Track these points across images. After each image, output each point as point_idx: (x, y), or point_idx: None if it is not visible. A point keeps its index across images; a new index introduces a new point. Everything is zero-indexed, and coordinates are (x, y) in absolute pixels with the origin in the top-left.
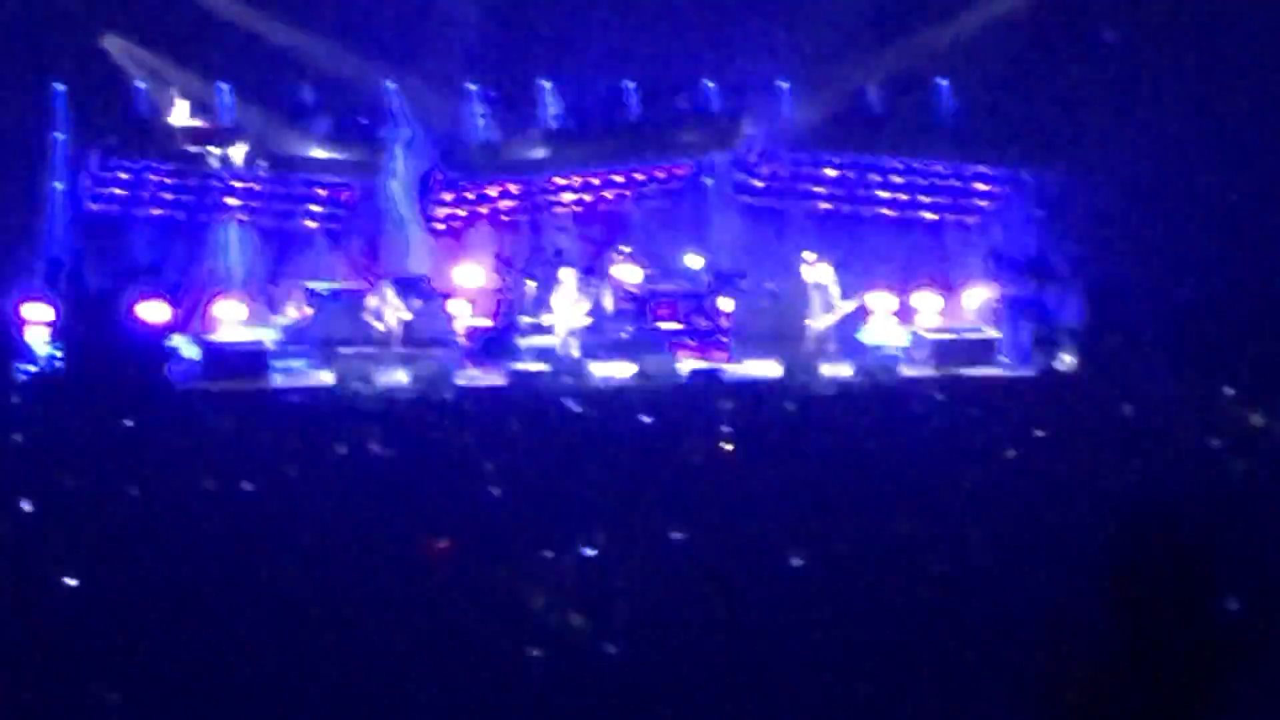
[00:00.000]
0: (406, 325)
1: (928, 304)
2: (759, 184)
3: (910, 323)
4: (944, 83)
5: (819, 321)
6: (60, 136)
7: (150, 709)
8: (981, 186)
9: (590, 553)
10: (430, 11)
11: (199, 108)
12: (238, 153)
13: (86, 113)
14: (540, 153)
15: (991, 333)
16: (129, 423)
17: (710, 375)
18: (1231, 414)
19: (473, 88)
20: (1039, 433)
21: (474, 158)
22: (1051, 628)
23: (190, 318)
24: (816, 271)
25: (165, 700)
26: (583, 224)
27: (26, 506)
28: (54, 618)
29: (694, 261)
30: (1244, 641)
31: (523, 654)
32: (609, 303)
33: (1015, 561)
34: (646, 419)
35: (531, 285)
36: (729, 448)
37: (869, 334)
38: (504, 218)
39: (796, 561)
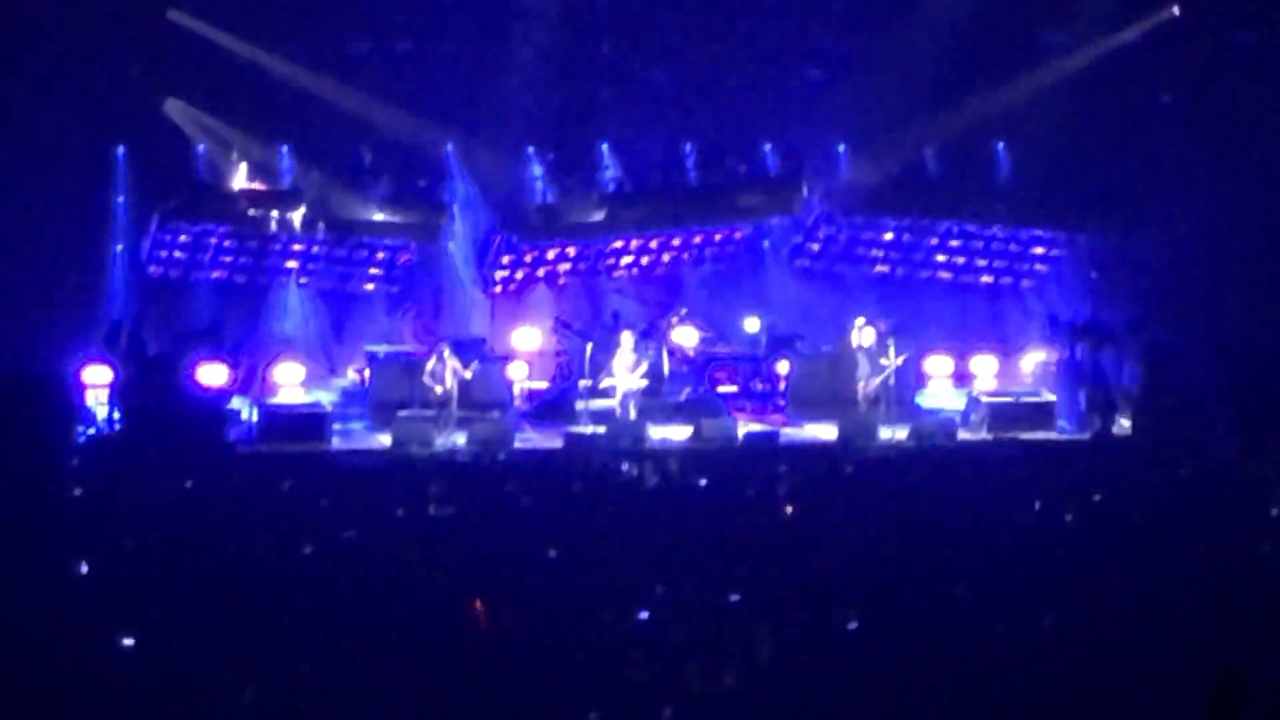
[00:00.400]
0: (464, 387)
1: (985, 367)
2: (815, 247)
3: (967, 386)
4: (1001, 146)
5: (869, 384)
6: (121, 199)
7: None
8: (1038, 250)
9: (645, 615)
10: (490, 75)
11: (259, 170)
12: (297, 215)
13: (148, 175)
14: (598, 216)
15: (1048, 396)
16: (187, 485)
17: (766, 438)
18: None
19: (531, 150)
20: (1095, 497)
21: (532, 220)
22: (1109, 690)
23: (249, 380)
24: (865, 335)
25: None
26: (640, 287)
27: (85, 567)
28: (112, 677)
29: (751, 325)
30: None
31: (579, 717)
32: (666, 365)
33: (1071, 626)
34: (703, 481)
35: (589, 348)
36: (788, 509)
37: (926, 397)
38: (561, 280)
39: (852, 625)
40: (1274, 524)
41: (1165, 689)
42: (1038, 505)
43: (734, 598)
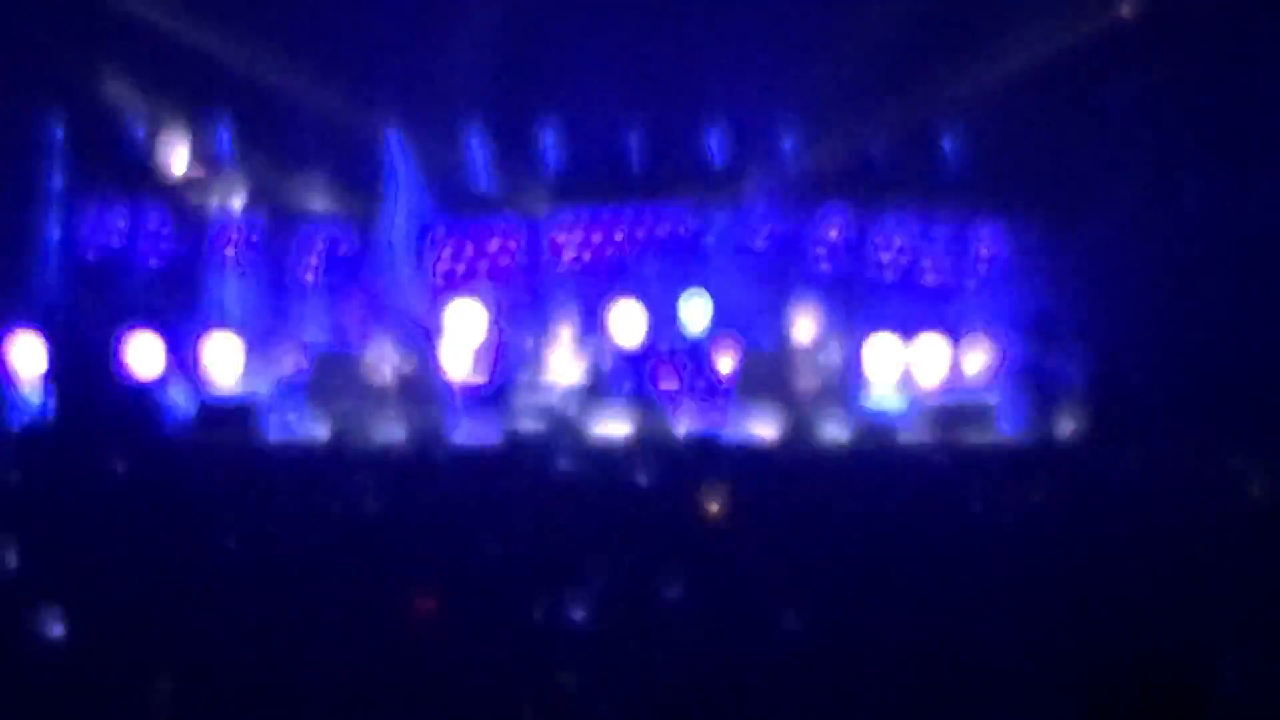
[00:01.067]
0: (402, 380)
1: (927, 366)
2: (761, 241)
3: (909, 385)
4: (949, 140)
5: (813, 382)
6: (57, 181)
7: None
8: (984, 249)
9: (583, 612)
10: (432, 59)
11: (198, 155)
12: (236, 200)
13: (83, 156)
14: (540, 202)
15: (991, 397)
16: (118, 472)
17: (707, 436)
18: (1236, 482)
19: (474, 139)
20: (1036, 500)
21: (473, 206)
22: (1050, 692)
23: (185, 368)
24: (811, 331)
25: None
26: (582, 280)
27: (12, 556)
28: (41, 669)
29: (696, 320)
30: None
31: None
32: (607, 360)
33: (1013, 632)
34: (641, 478)
35: (529, 342)
36: (716, 508)
37: (868, 397)
38: (502, 272)
39: (790, 625)
40: (1220, 525)
41: (1107, 691)
42: (979, 507)
43: (670, 595)
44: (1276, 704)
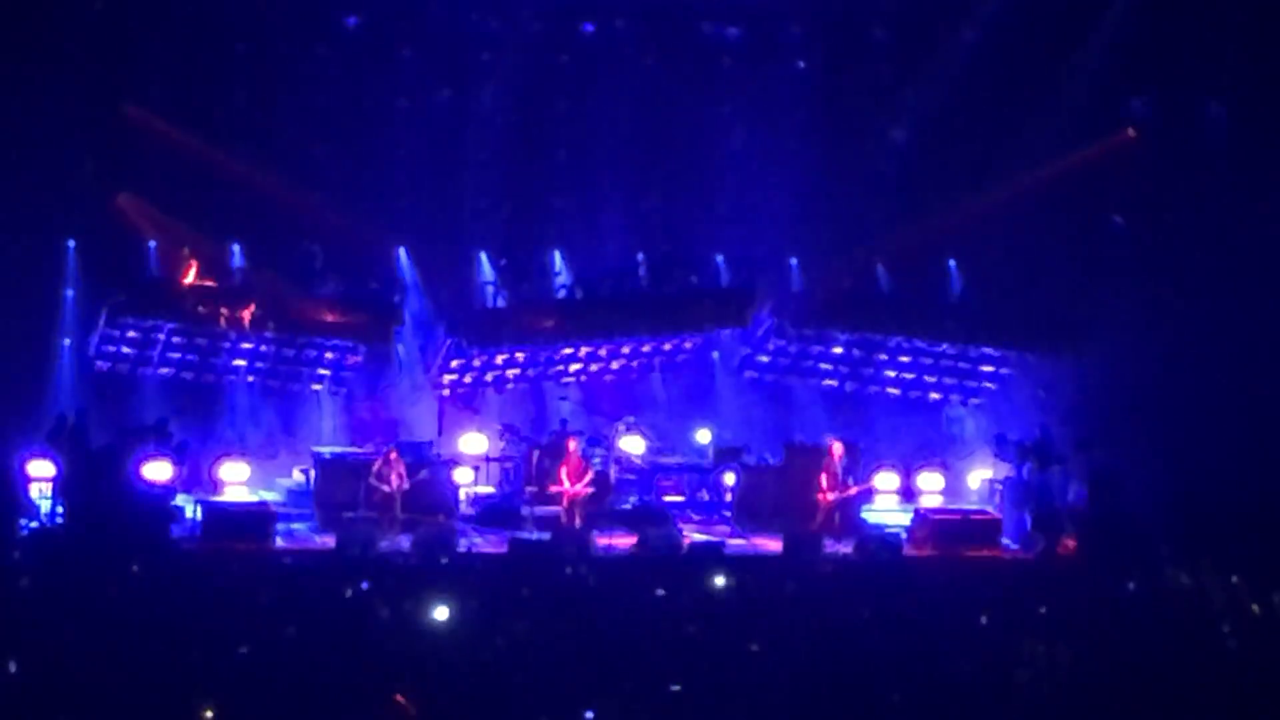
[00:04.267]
0: (410, 490)
1: (931, 483)
2: (765, 359)
3: (913, 501)
4: (952, 263)
5: (824, 498)
6: (70, 292)
7: None
8: (987, 368)
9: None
10: (443, 180)
11: (209, 267)
12: (247, 313)
13: (97, 269)
14: (548, 322)
15: (994, 514)
16: (129, 580)
17: (711, 548)
18: (1232, 600)
19: (483, 255)
20: (1039, 614)
21: (482, 325)
22: None
23: (195, 477)
24: (830, 449)
25: None
26: (588, 394)
27: (24, 658)
28: None
29: (703, 436)
30: None
31: None
32: (613, 473)
33: None
34: (646, 589)
35: (536, 454)
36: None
37: (873, 512)
38: (509, 385)
39: None
40: (1219, 643)
41: None
42: (983, 620)
43: (675, 688)
44: None
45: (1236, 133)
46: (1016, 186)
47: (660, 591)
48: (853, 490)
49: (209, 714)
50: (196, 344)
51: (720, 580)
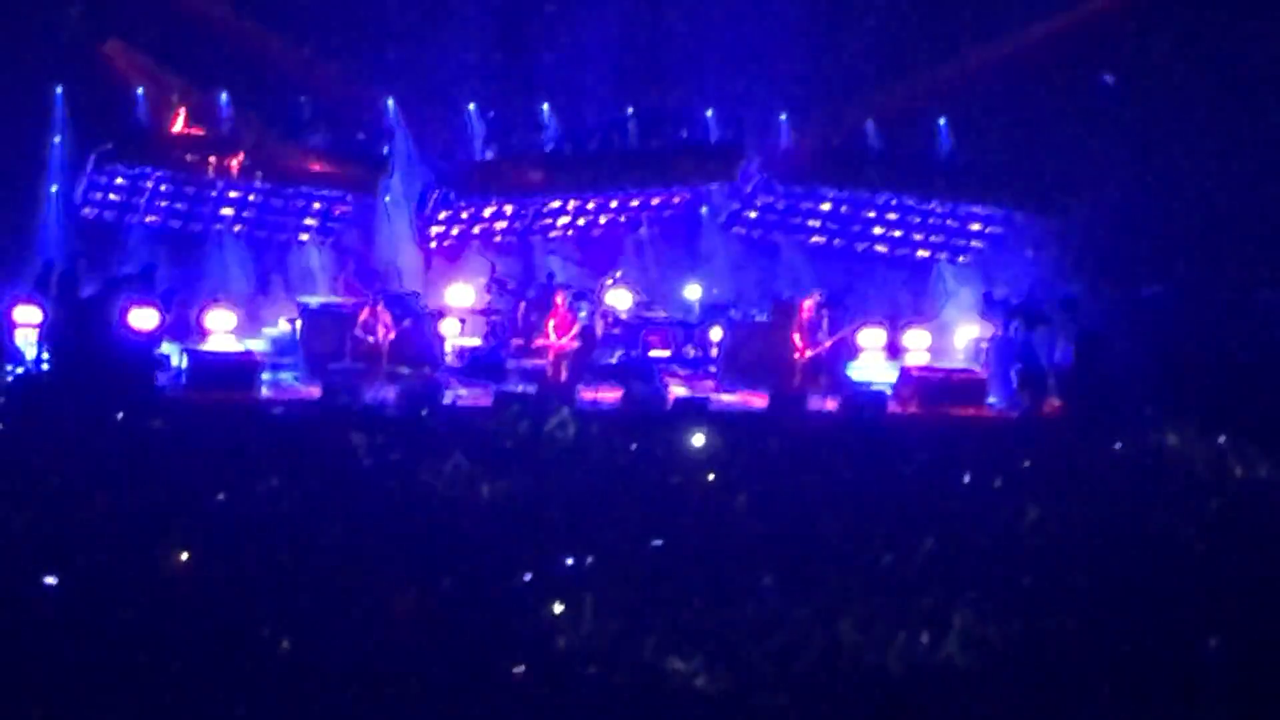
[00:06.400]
0: (396, 342)
1: (917, 341)
2: (753, 215)
3: (899, 359)
4: (942, 122)
5: (800, 354)
6: (58, 139)
7: (124, 707)
8: (975, 226)
9: (569, 562)
10: (433, 32)
11: (198, 116)
12: (235, 162)
13: (85, 117)
14: (536, 175)
15: (980, 372)
16: (113, 427)
17: (696, 403)
18: (1215, 461)
19: (472, 108)
20: (1023, 472)
21: (470, 178)
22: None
23: (181, 326)
24: (800, 305)
25: (141, 697)
26: (576, 248)
27: (4, 504)
28: (33, 615)
29: (692, 292)
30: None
31: (508, 667)
32: (599, 327)
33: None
34: (630, 444)
35: (522, 307)
36: (710, 477)
37: (858, 369)
38: (497, 239)
39: (767, 581)
40: (1200, 502)
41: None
42: (967, 478)
43: (656, 542)
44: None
45: None
46: (1008, 45)
47: (633, 446)
48: (826, 345)
49: (184, 556)
50: (184, 192)
51: (704, 435)
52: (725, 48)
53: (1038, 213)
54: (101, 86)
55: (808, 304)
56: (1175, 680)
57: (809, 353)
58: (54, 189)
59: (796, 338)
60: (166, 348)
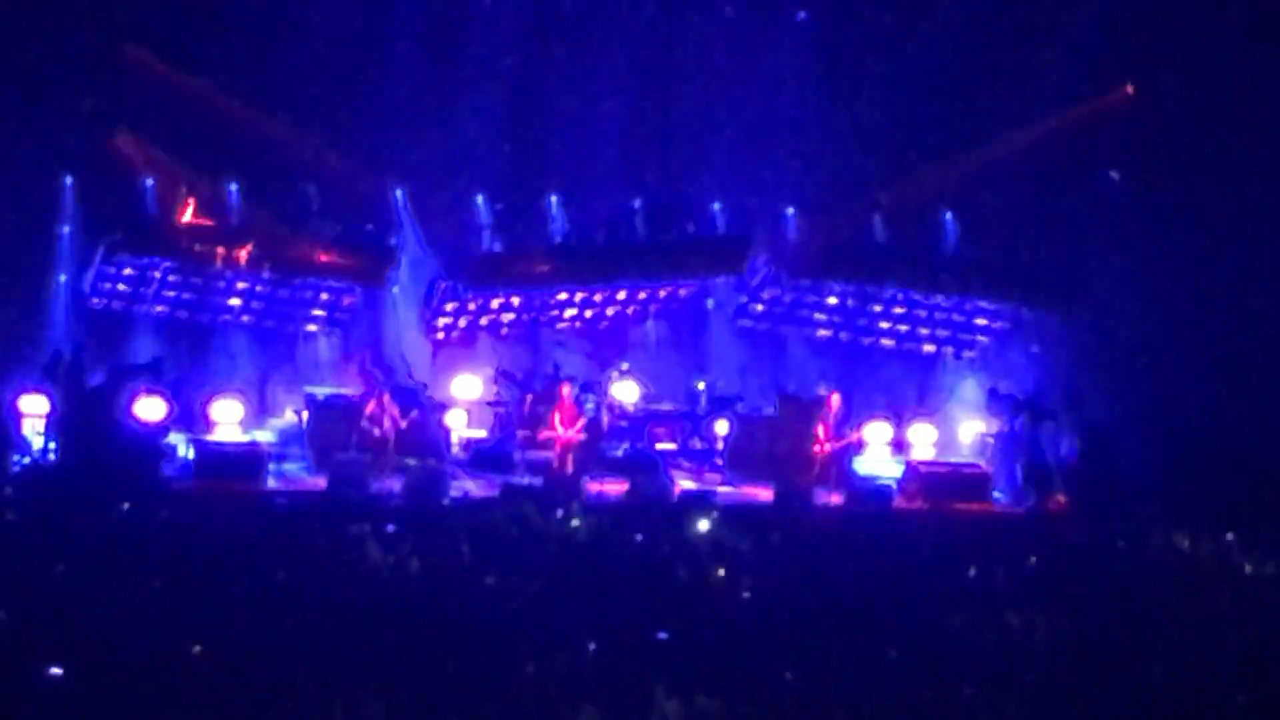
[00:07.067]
0: (402, 433)
1: (922, 436)
2: (760, 308)
3: (904, 453)
4: (949, 217)
5: (821, 449)
6: (67, 229)
7: None
8: (981, 321)
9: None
10: (441, 123)
11: (207, 207)
12: (243, 253)
13: (94, 207)
14: (544, 267)
15: (985, 468)
16: (119, 518)
17: (702, 496)
18: (1220, 557)
19: (480, 199)
20: (1028, 568)
21: (478, 269)
22: None
23: (188, 416)
24: (828, 400)
25: None
26: (583, 340)
27: (13, 596)
28: (38, 706)
29: (699, 384)
30: None
31: None
32: (605, 420)
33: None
34: (636, 536)
35: (529, 399)
36: (720, 573)
37: (863, 463)
38: (504, 330)
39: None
40: (1205, 598)
41: None
42: (972, 574)
43: (661, 635)
44: None
45: (1234, 91)
46: (1014, 141)
47: (638, 537)
48: (853, 438)
49: (196, 650)
50: (192, 283)
51: (710, 527)
52: (732, 141)
53: (1043, 308)
54: (111, 177)
55: (835, 399)
56: None
57: (830, 447)
58: (62, 278)
59: (821, 430)
60: (173, 438)
